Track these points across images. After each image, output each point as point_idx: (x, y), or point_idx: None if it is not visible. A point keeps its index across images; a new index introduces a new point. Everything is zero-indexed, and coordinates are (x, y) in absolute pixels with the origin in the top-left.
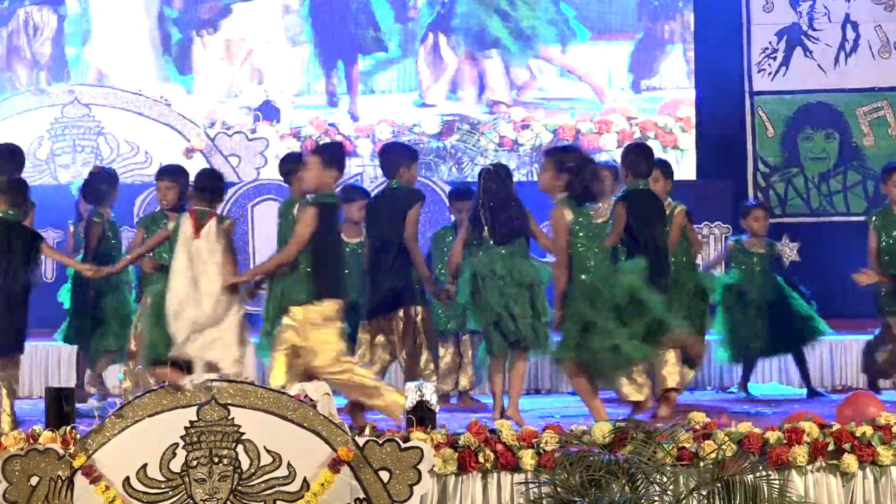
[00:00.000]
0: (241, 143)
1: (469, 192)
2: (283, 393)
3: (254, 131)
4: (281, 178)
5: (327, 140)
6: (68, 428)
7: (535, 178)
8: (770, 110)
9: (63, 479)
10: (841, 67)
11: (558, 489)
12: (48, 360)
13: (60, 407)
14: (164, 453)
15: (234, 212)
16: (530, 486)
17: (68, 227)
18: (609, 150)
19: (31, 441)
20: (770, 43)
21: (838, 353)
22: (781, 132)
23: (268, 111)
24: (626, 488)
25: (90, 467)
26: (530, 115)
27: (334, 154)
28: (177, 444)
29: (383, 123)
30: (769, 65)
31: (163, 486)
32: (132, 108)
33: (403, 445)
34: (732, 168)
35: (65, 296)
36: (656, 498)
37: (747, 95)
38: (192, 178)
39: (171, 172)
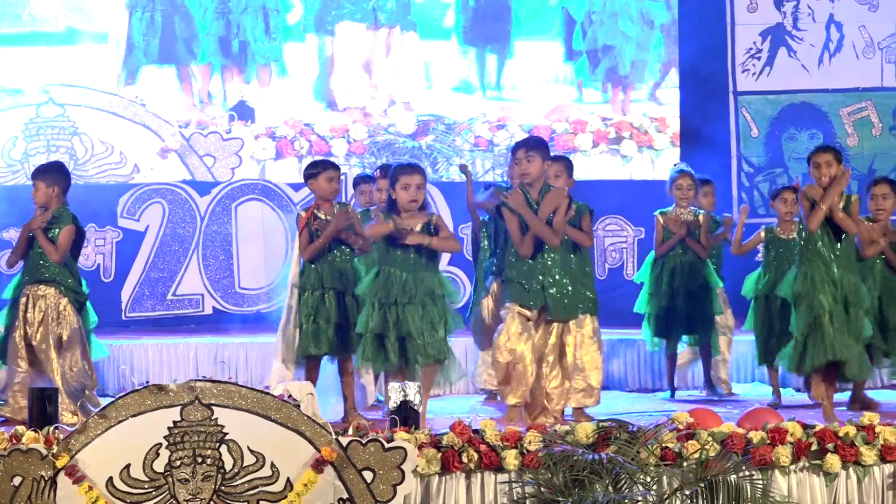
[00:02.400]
0: (216, 143)
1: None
2: (267, 393)
3: (229, 131)
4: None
5: (302, 140)
6: (51, 428)
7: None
8: (754, 110)
9: (46, 479)
10: (825, 68)
11: (542, 489)
12: None
13: (43, 407)
14: (147, 453)
15: (217, 211)
16: (514, 485)
17: None
18: (585, 151)
19: (14, 441)
20: (754, 43)
21: None
22: (765, 132)
23: (243, 111)
24: (610, 488)
25: (73, 467)
26: (506, 116)
27: None
28: (160, 444)
29: (358, 123)
30: (753, 65)
31: (146, 487)
32: (107, 108)
33: (387, 445)
34: (716, 168)
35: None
36: (640, 498)
37: (731, 95)
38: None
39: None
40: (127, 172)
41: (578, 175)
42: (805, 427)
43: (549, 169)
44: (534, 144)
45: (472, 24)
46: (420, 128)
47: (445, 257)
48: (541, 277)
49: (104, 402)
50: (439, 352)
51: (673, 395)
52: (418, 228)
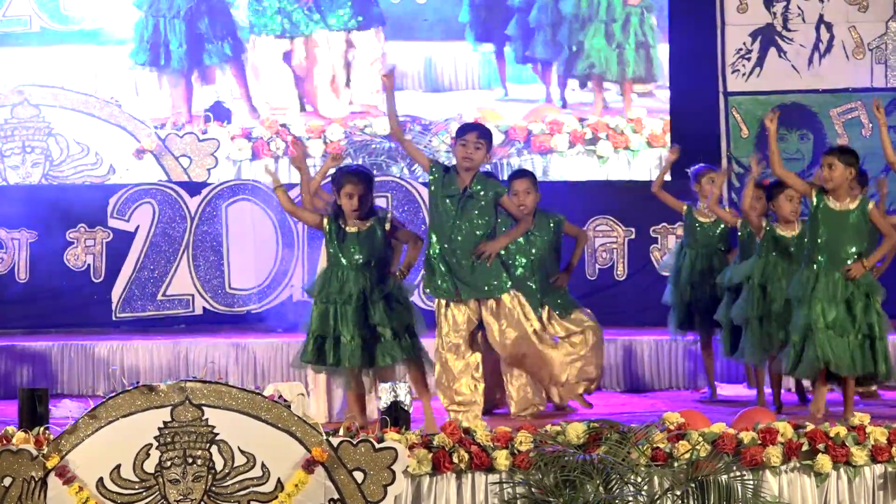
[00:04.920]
0: (192, 143)
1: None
2: (258, 393)
3: (205, 132)
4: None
5: (278, 141)
6: (42, 429)
7: None
8: (744, 111)
9: (36, 479)
10: (815, 68)
11: (533, 489)
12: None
13: (34, 407)
14: (137, 454)
15: (207, 212)
16: (505, 486)
17: None
18: (561, 152)
19: (5, 442)
20: (744, 43)
21: None
22: (756, 133)
23: (219, 112)
24: (601, 488)
25: (63, 468)
26: (483, 116)
27: None
28: (150, 444)
29: (335, 124)
30: (743, 65)
31: (136, 487)
32: (82, 108)
33: (378, 446)
34: None
35: None
36: (630, 498)
37: (721, 96)
38: None
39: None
40: (103, 173)
41: (556, 175)
42: (796, 427)
43: (518, 185)
44: (484, 133)
45: (478, 22)
46: None
47: None
48: (448, 260)
49: (94, 403)
50: (392, 355)
51: (713, 395)
52: (363, 229)
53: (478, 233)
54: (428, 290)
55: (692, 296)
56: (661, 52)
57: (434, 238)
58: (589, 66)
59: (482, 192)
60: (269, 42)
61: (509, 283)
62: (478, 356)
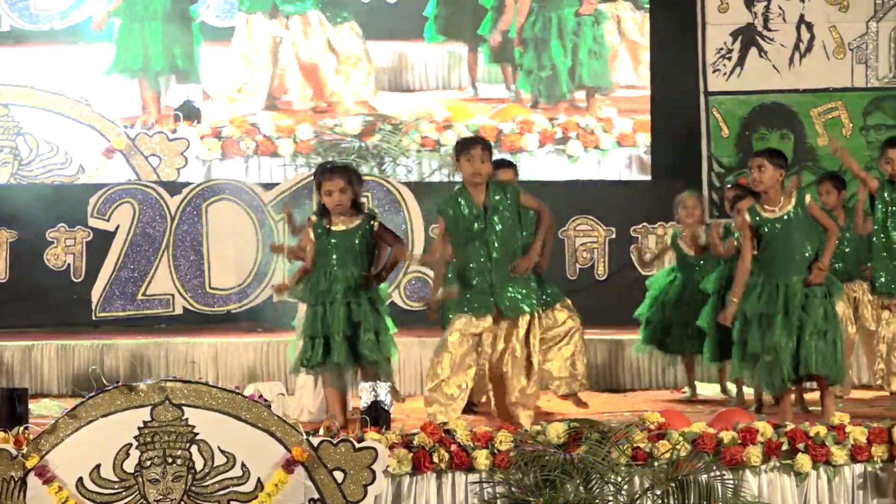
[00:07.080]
0: (161, 143)
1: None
2: (238, 393)
3: (174, 131)
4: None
5: (248, 140)
6: (21, 428)
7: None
8: (725, 110)
9: (16, 479)
10: (796, 68)
11: (513, 489)
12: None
13: (13, 407)
14: (117, 454)
15: (188, 212)
16: (485, 485)
17: None
18: (531, 151)
19: None
20: (725, 43)
21: None
22: (736, 132)
23: (188, 111)
24: (581, 488)
25: (43, 468)
26: (452, 116)
27: None
28: (130, 444)
29: (304, 124)
30: (724, 65)
31: (116, 487)
32: (52, 107)
33: (358, 446)
34: (687, 168)
35: None
36: (611, 498)
37: (702, 95)
38: None
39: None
40: (72, 173)
41: (527, 175)
42: (776, 427)
43: (503, 175)
44: (487, 144)
45: (447, 21)
46: (366, 128)
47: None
48: (488, 278)
49: (74, 402)
50: (371, 352)
51: (693, 394)
52: (350, 227)
53: (515, 246)
54: (467, 310)
55: (675, 318)
56: (618, 60)
57: (464, 259)
58: (551, 81)
59: (503, 201)
60: (255, 22)
61: (535, 302)
62: (474, 360)
